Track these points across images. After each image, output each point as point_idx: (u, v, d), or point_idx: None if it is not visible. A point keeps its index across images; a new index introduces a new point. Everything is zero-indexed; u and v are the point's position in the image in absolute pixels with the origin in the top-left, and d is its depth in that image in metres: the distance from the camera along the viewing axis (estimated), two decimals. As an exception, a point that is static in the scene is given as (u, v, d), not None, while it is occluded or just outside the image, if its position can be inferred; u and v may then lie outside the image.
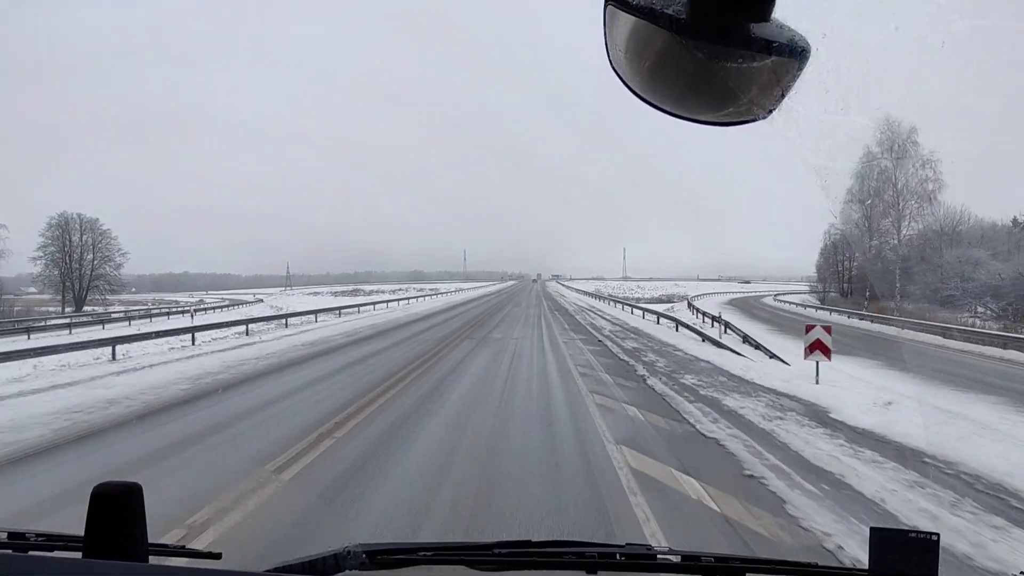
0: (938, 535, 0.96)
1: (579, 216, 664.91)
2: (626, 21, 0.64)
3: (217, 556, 1.07)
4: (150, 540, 0.90)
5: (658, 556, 1.04)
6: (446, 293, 64.94)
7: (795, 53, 0.63)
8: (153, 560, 0.87)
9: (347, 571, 0.98)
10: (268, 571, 0.91)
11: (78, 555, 0.82)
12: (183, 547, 1.07)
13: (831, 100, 0.71)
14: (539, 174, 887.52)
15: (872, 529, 0.99)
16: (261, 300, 64.72)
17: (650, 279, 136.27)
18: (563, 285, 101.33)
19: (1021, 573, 1.04)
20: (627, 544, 1.07)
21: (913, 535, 0.96)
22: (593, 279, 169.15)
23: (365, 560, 0.99)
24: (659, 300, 62.05)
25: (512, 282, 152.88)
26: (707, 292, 69.34)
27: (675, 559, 1.04)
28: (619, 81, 0.70)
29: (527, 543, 1.06)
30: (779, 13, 0.62)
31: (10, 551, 0.91)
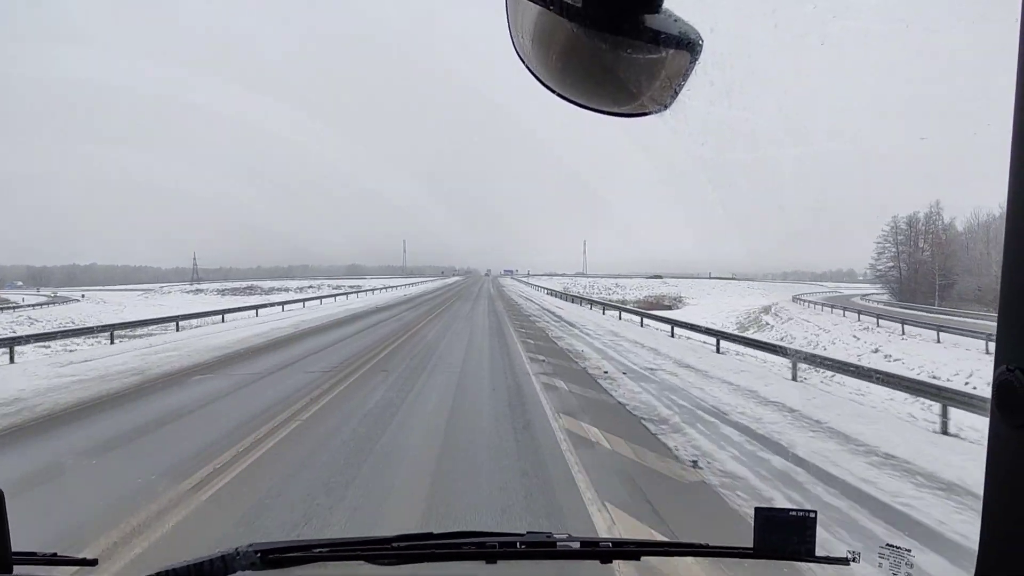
0: (815, 512, 1.03)
1: (529, 213, 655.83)
2: (528, 9, 0.62)
3: (93, 563, 1.02)
4: (14, 548, 0.83)
5: (558, 544, 1.04)
6: (363, 293, 49.18)
7: (685, 45, 0.63)
8: (19, 571, 0.81)
9: (238, 572, 0.93)
10: None
11: None
12: (54, 554, 0.97)
13: (716, 93, 0.71)
14: (473, 177, 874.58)
15: (756, 510, 1.04)
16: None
17: (617, 276, 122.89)
18: (521, 282, 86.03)
19: (888, 546, 1.07)
20: (528, 533, 1.07)
21: (793, 513, 1.02)
22: (546, 275, 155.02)
23: (256, 560, 0.94)
24: (656, 303, 49.77)
25: (457, 278, 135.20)
26: (696, 290, 55.37)
27: (574, 545, 1.04)
28: (529, 74, 0.69)
29: (429, 535, 1.04)
30: (670, 4, 0.61)
31: None
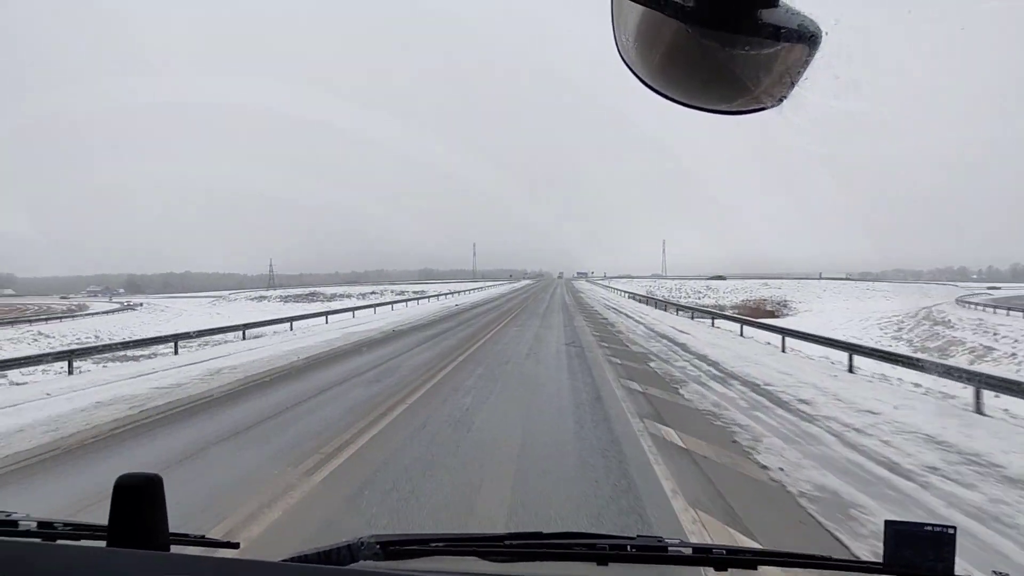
0: (955, 528, 0.94)
1: (604, 215, 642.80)
2: (634, 10, 0.62)
3: (235, 546, 1.10)
4: (171, 530, 0.90)
5: (669, 548, 1.04)
6: (423, 300, 43.84)
7: (805, 39, 0.62)
8: (174, 549, 0.87)
9: (361, 561, 0.98)
10: (284, 561, 0.87)
11: (103, 544, 0.82)
12: (203, 536, 1.06)
13: (841, 87, 0.69)
14: (559, 174, 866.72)
15: (887, 523, 0.97)
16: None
17: (688, 278, 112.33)
18: (598, 285, 78.49)
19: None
20: (638, 536, 1.06)
21: (929, 528, 0.94)
22: (622, 278, 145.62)
23: (378, 551, 1.00)
24: (758, 309, 41.22)
25: (527, 282, 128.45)
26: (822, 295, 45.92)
27: (687, 551, 1.03)
28: (630, 73, 0.69)
29: (538, 535, 1.06)
30: None
31: (39, 540, 0.93)
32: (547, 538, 1.06)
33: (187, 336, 17.00)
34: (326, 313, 27.14)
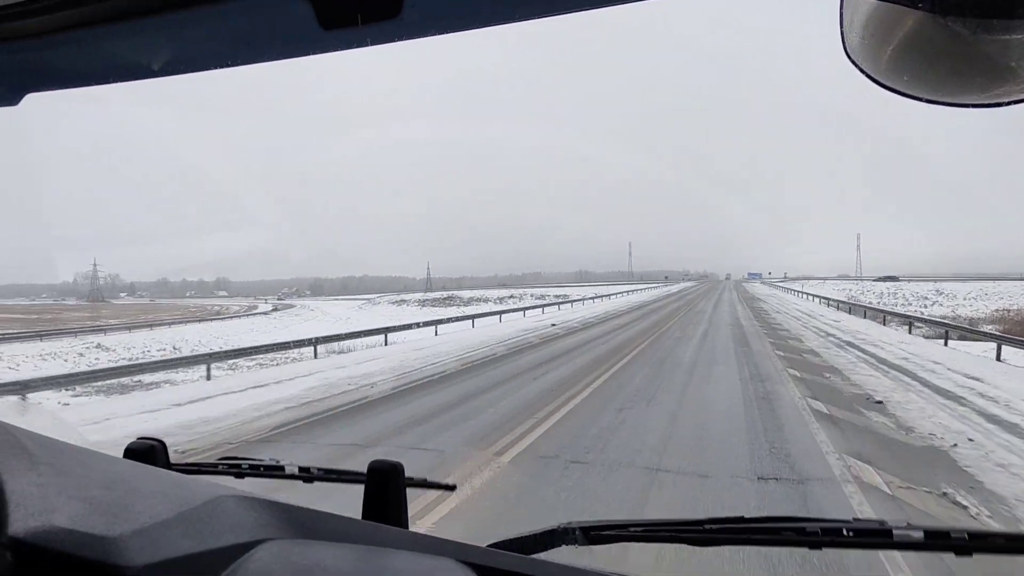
0: None
1: (784, 211, 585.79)
2: (865, 3, 0.58)
3: (452, 488, 1.27)
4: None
5: (895, 532, 0.91)
6: (563, 305, 38.14)
7: None
8: (411, 528, 0.96)
9: (562, 547, 1.00)
10: (489, 546, 0.88)
11: (357, 516, 0.91)
12: (425, 479, 1.19)
13: None
14: (726, 171, 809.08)
15: None
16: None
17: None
18: (778, 288, 65.84)
19: None
20: (854, 520, 0.95)
21: None
22: (801, 279, 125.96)
23: (579, 536, 1.01)
24: None
25: (689, 283, 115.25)
26: None
27: (917, 535, 0.91)
28: (855, 69, 0.64)
29: (740, 519, 0.99)
30: None
31: (305, 480, 1.10)
32: (750, 522, 0.98)
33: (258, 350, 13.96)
34: (435, 322, 22.83)
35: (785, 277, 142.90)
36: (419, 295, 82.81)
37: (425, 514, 4.30)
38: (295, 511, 0.79)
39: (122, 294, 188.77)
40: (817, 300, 36.61)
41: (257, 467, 1.21)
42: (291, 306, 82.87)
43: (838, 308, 29.24)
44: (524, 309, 33.58)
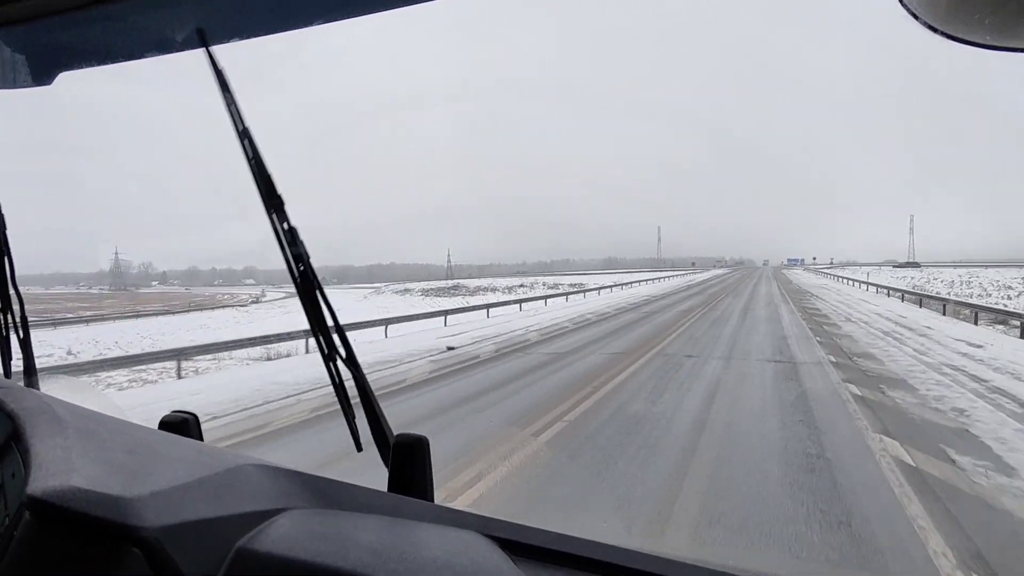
0: None
1: (827, 193, 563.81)
2: None
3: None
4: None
5: None
6: (569, 295, 33.24)
7: None
8: (437, 500, 0.97)
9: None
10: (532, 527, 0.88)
11: (383, 490, 0.91)
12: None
13: None
14: (760, 151, 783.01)
15: None
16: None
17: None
18: (826, 276, 59.07)
19: None
20: None
21: None
22: (848, 265, 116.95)
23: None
24: None
25: (721, 271, 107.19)
26: None
27: None
28: (909, 16, 0.57)
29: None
30: None
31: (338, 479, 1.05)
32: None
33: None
34: (386, 322, 18.37)
35: (832, 262, 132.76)
36: (435, 283, 78.34)
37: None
38: (320, 482, 0.81)
39: (154, 282, 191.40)
40: (886, 293, 30.61)
41: None
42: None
43: (920, 305, 23.20)
44: (522, 301, 28.86)
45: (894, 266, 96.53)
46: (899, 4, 0.55)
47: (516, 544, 0.71)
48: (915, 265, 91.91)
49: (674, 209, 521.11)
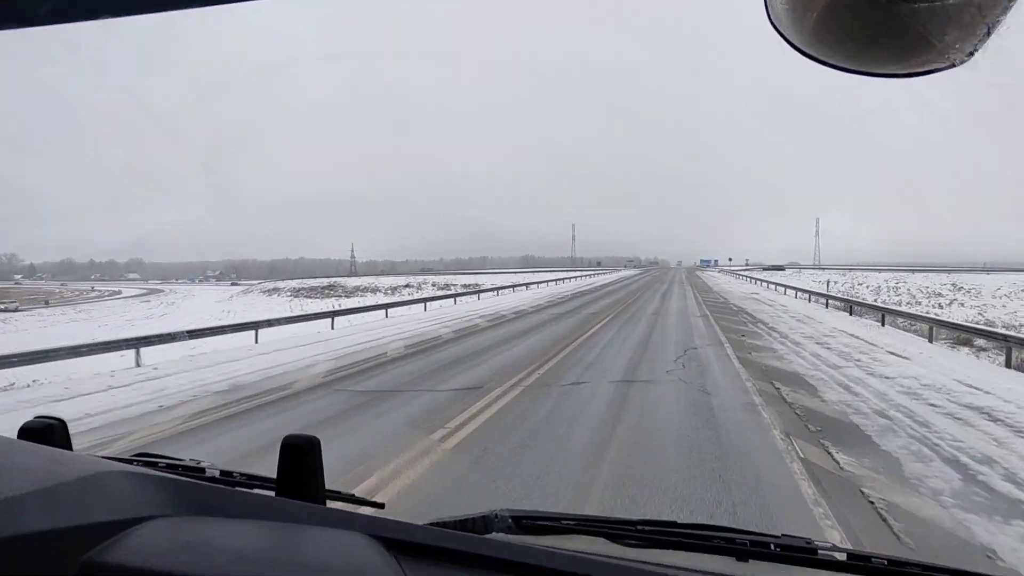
0: None
1: (733, 198, 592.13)
2: None
3: (381, 506, 1.18)
4: (326, 487, 0.98)
5: (819, 551, 0.95)
6: (457, 297, 25.86)
7: None
8: (329, 504, 0.94)
9: (495, 533, 1.00)
10: (426, 524, 0.89)
11: (272, 494, 0.90)
12: (352, 495, 1.13)
13: None
14: (685, 156, 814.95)
15: None
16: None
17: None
18: (745, 279, 53.73)
19: None
20: (783, 535, 1.00)
21: None
22: (770, 268, 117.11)
23: (511, 524, 1.01)
24: None
25: (630, 272, 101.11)
26: None
27: (840, 556, 0.95)
28: (780, 38, 0.61)
29: (672, 524, 1.04)
30: None
31: (222, 485, 1.00)
32: (682, 527, 1.02)
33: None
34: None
35: (747, 264, 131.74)
36: (312, 282, 67.83)
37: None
38: (199, 489, 0.77)
39: (17, 276, 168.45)
40: (808, 298, 25.25)
41: (175, 467, 1.13)
42: (160, 291, 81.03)
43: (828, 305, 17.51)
44: (388, 306, 21.58)
45: (765, 268, 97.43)
46: (772, 27, 0.57)
47: (404, 543, 0.69)
48: (780, 268, 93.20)
49: (591, 210, 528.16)
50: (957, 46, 0.53)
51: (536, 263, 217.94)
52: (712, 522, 1.09)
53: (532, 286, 38.97)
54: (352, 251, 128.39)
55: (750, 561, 0.96)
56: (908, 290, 33.96)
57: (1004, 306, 28.20)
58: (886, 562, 0.91)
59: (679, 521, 1.02)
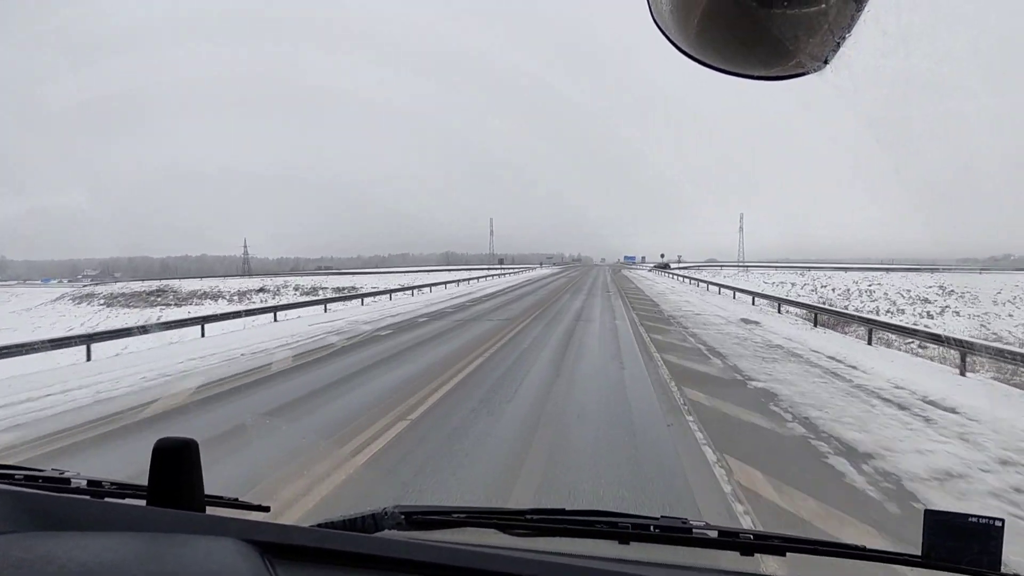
0: (1003, 521, 0.87)
1: (650, 194, 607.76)
2: None
3: (266, 509, 1.13)
4: (206, 492, 0.93)
5: (694, 531, 1.02)
6: (334, 301, 17.28)
7: None
8: (209, 511, 0.90)
9: (385, 530, 1.00)
10: (313, 526, 0.89)
11: (143, 503, 0.85)
12: (236, 499, 1.08)
13: (890, 43, 0.63)
14: (599, 152, 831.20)
15: (926, 512, 0.91)
16: None
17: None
18: (674, 277, 47.80)
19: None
20: (662, 517, 1.04)
21: (973, 520, 0.89)
22: (672, 264, 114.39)
23: (402, 520, 1.01)
24: None
25: (548, 270, 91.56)
26: None
27: (712, 534, 1.01)
28: (666, 41, 0.65)
29: (561, 511, 1.05)
30: None
31: (88, 496, 0.96)
32: (569, 515, 1.04)
33: None
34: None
35: (679, 260, 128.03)
36: (137, 285, 55.44)
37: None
38: (58, 501, 0.73)
39: None
40: (776, 308, 18.47)
41: (35, 478, 1.05)
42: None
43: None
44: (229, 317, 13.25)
45: (654, 266, 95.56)
46: (652, 21, 0.59)
47: (282, 547, 0.67)
48: (667, 266, 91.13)
49: (512, 205, 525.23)
50: (811, 53, 0.58)
51: (457, 260, 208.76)
52: (598, 507, 0.98)
53: (424, 290, 30.67)
54: (245, 248, 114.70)
55: (632, 544, 1.00)
56: (885, 294, 28.58)
57: (1011, 315, 22.81)
58: (752, 536, 0.99)
59: (567, 508, 1.04)
